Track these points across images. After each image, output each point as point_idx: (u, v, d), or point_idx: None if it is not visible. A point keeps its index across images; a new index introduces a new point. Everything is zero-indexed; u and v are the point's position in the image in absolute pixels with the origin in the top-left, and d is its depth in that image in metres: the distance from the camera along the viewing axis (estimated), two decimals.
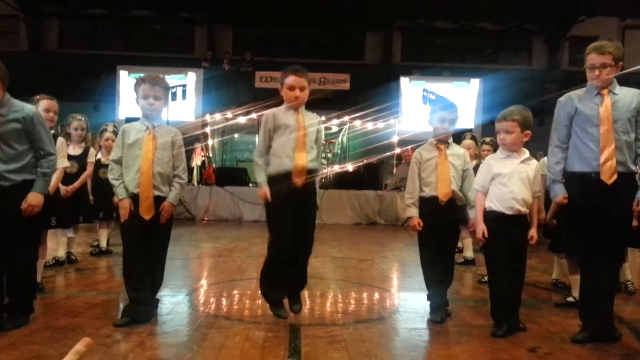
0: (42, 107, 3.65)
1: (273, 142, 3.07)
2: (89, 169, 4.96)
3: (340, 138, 13.01)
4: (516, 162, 2.99)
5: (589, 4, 13.89)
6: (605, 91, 2.85)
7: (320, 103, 12.32)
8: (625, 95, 2.85)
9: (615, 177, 2.78)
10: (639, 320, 3.33)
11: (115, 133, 5.46)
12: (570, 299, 3.63)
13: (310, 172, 3.06)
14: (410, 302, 3.80)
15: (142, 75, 3.18)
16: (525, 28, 15.84)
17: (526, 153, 3.04)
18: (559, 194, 2.93)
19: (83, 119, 4.83)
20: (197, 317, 3.25)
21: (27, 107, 2.95)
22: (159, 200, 3.08)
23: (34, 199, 2.89)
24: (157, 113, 3.15)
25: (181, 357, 2.51)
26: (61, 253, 4.85)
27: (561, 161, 2.94)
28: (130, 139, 3.09)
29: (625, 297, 3.94)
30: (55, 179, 3.63)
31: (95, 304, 3.46)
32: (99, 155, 5.46)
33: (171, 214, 3.15)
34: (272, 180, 3.02)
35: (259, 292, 3.23)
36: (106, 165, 5.11)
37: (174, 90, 11.32)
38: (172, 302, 3.59)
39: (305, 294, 3.82)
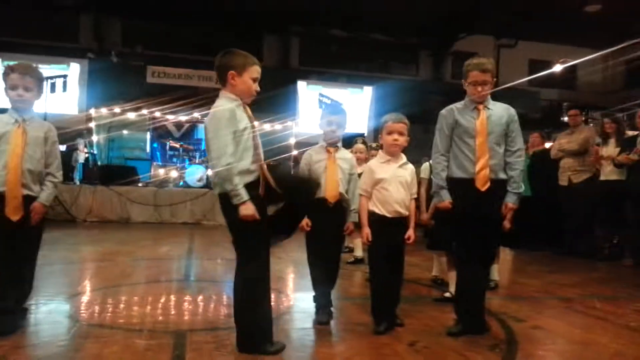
0: None
1: None
2: None
3: None
4: (395, 167, 3.15)
5: (468, 22, 15.06)
6: (481, 106, 3.11)
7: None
8: (498, 109, 3.13)
9: (488, 184, 3.04)
10: (504, 312, 3.65)
11: None
12: (447, 294, 3.90)
13: None
14: (301, 302, 3.84)
15: (13, 63, 2.91)
16: (412, 41, 16.82)
17: (404, 158, 3.20)
18: (445, 199, 3.12)
19: None
20: (72, 327, 3.01)
21: None
22: (28, 200, 2.83)
23: None
24: (27, 105, 2.90)
25: None
26: None
27: (445, 168, 3.15)
28: None
29: (494, 292, 4.31)
30: None
31: None
32: None
33: (42, 215, 2.89)
34: None
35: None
36: None
37: (53, 81, 10.43)
38: (43, 310, 3.29)
39: (191, 298, 3.71)
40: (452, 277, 3.83)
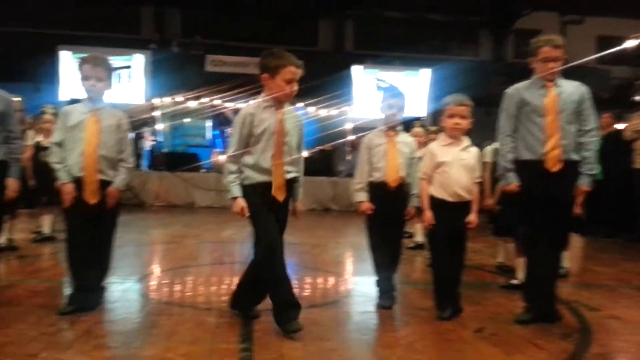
0: None
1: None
2: (27, 152, 4.72)
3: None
4: (457, 150, 3.07)
5: None
6: (550, 83, 2.96)
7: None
8: (568, 87, 2.98)
9: (559, 165, 2.90)
10: (577, 300, 3.52)
11: (54, 115, 5.19)
12: (514, 281, 3.79)
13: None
14: (362, 287, 3.85)
15: (85, 55, 3.06)
16: (471, 20, 16.23)
17: (467, 141, 3.12)
18: (512, 182, 3.01)
19: (18, 99, 4.57)
20: (146, 305, 3.18)
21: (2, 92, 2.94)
22: (104, 184, 2.98)
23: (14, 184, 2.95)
24: (100, 95, 3.04)
25: (129, 345, 2.44)
26: (1, 239, 4.61)
27: (512, 150, 3.03)
28: (71, 121, 2.96)
29: (564, 280, 4.15)
30: None
31: (39, 292, 3.31)
32: (38, 138, 5.20)
33: (117, 199, 3.04)
34: None
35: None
36: (46, 148, 4.90)
37: (118, 72, 10.88)
38: (120, 289, 3.49)
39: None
40: (519, 264, 3.72)
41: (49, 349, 2.32)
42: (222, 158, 11.21)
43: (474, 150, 3.14)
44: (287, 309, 2.65)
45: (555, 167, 2.90)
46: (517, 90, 3.06)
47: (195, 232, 6.63)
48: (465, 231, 3.08)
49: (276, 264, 2.71)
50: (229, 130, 12.13)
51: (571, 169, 2.94)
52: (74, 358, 2.25)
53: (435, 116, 11.49)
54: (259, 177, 2.72)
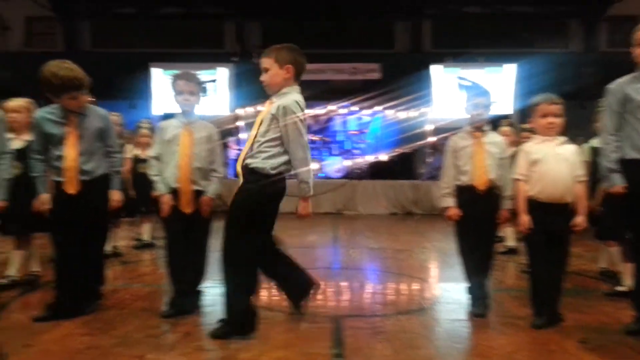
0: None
1: None
2: (126, 165, 5.07)
3: (372, 128, 12.93)
4: (553, 147, 2.91)
5: None
6: None
7: (351, 93, 12.26)
8: None
9: None
10: None
11: (150, 129, 5.55)
12: (621, 288, 3.50)
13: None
14: (451, 293, 3.74)
15: (177, 72, 3.24)
16: (559, 10, 15.30)
17: (563, 138, 2.94)
18: (617, 183, 2.81)
19: (117, 115, 4.93)
20: None
21: (102, 109, 3.18)
22: (198, 194, 3.13)
23: (118, 195, 3.16)
24: (192, 108, 3.20)
25: (226, 347, 2.54)
26: (107, 247, 4.98)
27: (616, 150, 2.82)
28: (167, 135, 3.15)
29: None
30: None
31: (141, 296, 3.55)
32: (136, 151, 5.57)
33: (211, 207, 3.19)
34: None
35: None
36: (144, 161, 5.24)
37: (205, 85, 11.44)
38: (214, 293, 3.63)
39: (344, 285, 3.82)
40: (626, 270, 3.43)
41: (154, 351, 2.48)
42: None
43: (573, 146, 2.96)
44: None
45: None
46: (620, 85, 2.84)
47: (280, 237, 6.77)
48: (568, 234, 2.90)
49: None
50: (308, 136, 12.35)
51: None
52: (177, 359, 2.38)
53: (523, 114, 10.98)
54: None
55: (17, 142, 3.59)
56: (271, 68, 2.72)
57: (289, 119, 2.65)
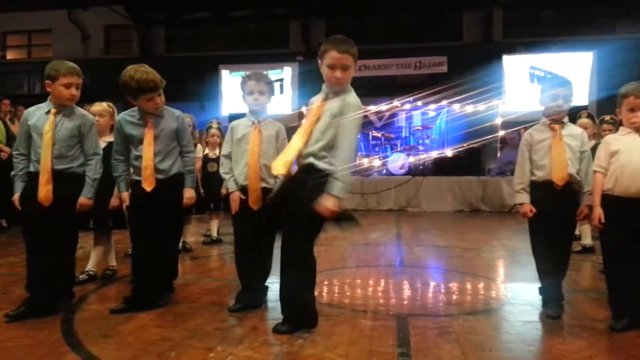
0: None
1: None
2: (197, 164, 5.24)
3: (438, 123, 12.64)
4: (638, 139, 2.70)
5: None
6: None
7: (417, 87, 12.04)
8: None
9: None
10: None
11: (219, 129, 5.73)
12: None
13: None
14: (523, 293, 3.59)
15: (245, 73, 3.33)
16: None
17: None
18: None
19: (190, 116, 5.13)
20: None
21: (177, 110, 3.32)
22: (266, 191, 3.17)
23: (190, 193, 3.28)
24: (262, 108, 3.27)
25: (292, 343, 2.58)
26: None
27: None
28: (238, 134, 3.24)
29: None
30: None
31: (211, 290, 3.67)
32: (206, 151, 5.77)
33: None
34: None
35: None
36: (213, 160, 5.42)
37: (274, 84, 11.66)
38: (278, 288, 3.70)
39: (409, 283, 3.76)
40: None
41: (222, 344, 2.56)
42: (366, 161, 11.38)
43: None
44: None
45: None
46: None
47: (343, 234, 6.78)
48: None
49: None
50: (371, 132, 12.27)
51: None
52: (245, 352, 2.45)
53: (602, 106, 10.32)
54: None
55: (100, 144, 3.83)
56: (351, 66, 2.64)
57: (349, 117, 2.61)
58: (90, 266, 3.93)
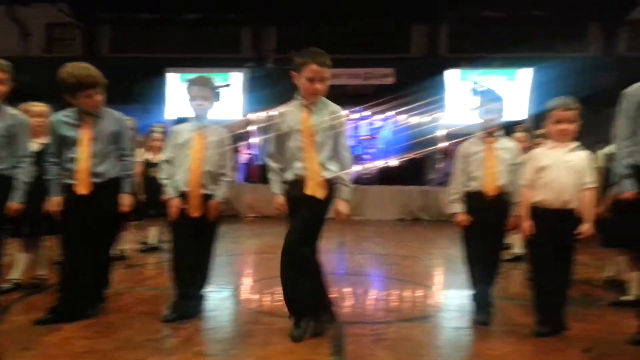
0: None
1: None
2: (137, 168, 5.11)
3: (384, 133, 12.89)
4: (562, 152, 2.88)
5: None
6: None
7: (364, 98, 12.24)
8: None
9: None
10: None
11: (162, 133, 5.61)
12: (627, 297, 3.44)
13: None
14: (455, 300, 3.70)
15: (192, 76, 3.29)
16: (579, 14, 15.12)
17: (574, 143, 2.91)
18: (629, 189, 2.76)
19: (130, 119, 4.97)
20: (241, 314, 3.30)
21: (117, 112, 3.23)
22: (206, 198, 3.15)
23: (127, 199, 3.16)
24: (205, 113, 3.24)
25: (227, 353, 2.55)
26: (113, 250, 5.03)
27: (630, 155, 2.78)
28: (180, 139, 3.19)
29: None
30: None
31: (144, 300, 3.57)
32: (148, 155, 5.62)
33: (219, 211, 3.20)
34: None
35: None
36: (155, 165, 5.28)
37: (219, 90, 11.52)
38: (217, 298, 3.66)
39: (348, 291, 3.81)
40: (633, 279, 3.37)
41: (154, 355, 2.49)
42: None
43: (583, 153, 2.92)
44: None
45: None
46: (636, 90, 2.80)
47: None
48: (573, 242, 2.86)
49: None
50: None
51: None
52: None
53: (539, 119, 10.84)
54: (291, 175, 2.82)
55: (33, 145, 3.66)
56: (329, 77, 2.81)
57: (341, 124, 2.84)
58: (16, 274, 3.73)
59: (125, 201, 3.16)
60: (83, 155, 3.00)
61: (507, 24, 15.64)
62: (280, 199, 2.83)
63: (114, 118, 3.16)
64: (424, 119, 12.28)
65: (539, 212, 2.87)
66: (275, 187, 2.87)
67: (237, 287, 4.17)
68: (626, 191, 2.77)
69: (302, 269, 2.79)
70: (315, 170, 2.74)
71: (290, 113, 2.86)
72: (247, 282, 4.40)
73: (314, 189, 2.73)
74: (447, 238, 7.34)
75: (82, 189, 2.99)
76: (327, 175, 2.77)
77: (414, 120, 12.13)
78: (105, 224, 3.11)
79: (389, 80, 13.29)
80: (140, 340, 2.70)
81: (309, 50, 2.82)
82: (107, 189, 3.08)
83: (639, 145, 2.76)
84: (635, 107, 2.77)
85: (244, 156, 11.99)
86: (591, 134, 4.46)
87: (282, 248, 2.75)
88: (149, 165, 5.51)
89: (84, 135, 3.02)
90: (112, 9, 15.57)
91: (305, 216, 2.76)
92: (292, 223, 2.80)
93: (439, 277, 4.86)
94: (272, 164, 2.91)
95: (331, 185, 2.78)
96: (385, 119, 12.59)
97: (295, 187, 2.78)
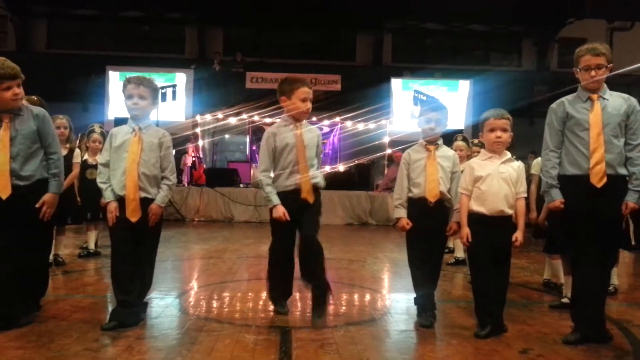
0: None
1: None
2: (75, 170, 4.89)
3: (331, 138, 13.01)
4: (497, 163, 3.01)
5: (576, 6, 14.01)
6: (595, 96, 2.88)
7: (312, 103, 12.31)
8: (615, 100, 2.89)
9: (605, 180, 2.79)
10: (628, 320, 3.34)
11: (102, 134, 5.39)
12: (564, 299, 3.63)
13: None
14: (401, 304, 3.78)
15: (130, 75, 3.17)
16: (514, 30, 15.95)
17: (507, 154, 3.05)
18: (556, 198, 2.92)
19: (65, 118, 4.75)
20: (186, 320, 3.21)
21: (37, 107, 3.07)
22: (146, 202, 3.04)
23: (50, 198, 3.01)
24: (143, 113, 3.12)
25: None
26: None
27: (556, 166, 2.95)
28: (117, 141, 3.07)
29: (614, 297, 3.95)
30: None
31: (83, 307, 3.40)
32: (86, 156, 5.39)
33: (159, 216, 3.10)
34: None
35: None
36: (93, 166, 5.07)
37: (163, 91, 11.22)
38: (160, 305, 3.54)
39: (296, 296, 3.80)
40: (568, 282, 3.56)
41: None
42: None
43: (517, 163, 3.07)
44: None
45: (600, 182, 2.80)
46: (561, 104, 2.98)
47: (234, 247, 6.70)
48: (509, 247, 2.99)
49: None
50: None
51: (618, 183, 2.83)
52: None
53: (476, 129, 11.28)
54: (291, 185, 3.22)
55: None
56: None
57: (320, 139, 3.49)
58: None
59: (47, 199, 2.98)
60: (1, 157, 2.83)
61: (447, 36, 16.26)
62: (282, 208, 3.15)
63: (34, 115, 2.98)
64: (371, 125, 12.50)
65: (477, 219, 2.99)
66: (274, 198, 3.18)
67: (182, 293, 4.05)
68: (554, 200, 2.92)
69: (317, 253, 3.24)
70: (308, 179, 3.21)
71: (284, 131, 3.24)
72: (192, 288, 4.29)
73: (309, 195, 3.21)
74: (393, 242, 7.51)
75: (2, 192, 2.82)
76: (314, 181, 3.24)
77: (361, 126, 12.32)
78: (34, 228, 2.93)
79: (336, 87, 13.47)
80: (78, 349, 2.57)
81: (294, 78, 3.32)
82: (33, 191, 2.93)
83: (564, 156, 2.93)
84: (560, 120, 2.95)
85: (189, 159, 11.73)
86: (526, 143, 4.70)
87: (300, 240, 3.24)
88: (87, 166, 5.29)
89: (2, 135, 2.85)
90: (49, 2, 14.85)
91: (314, 215, 3.25)
92: (305, 221, 3.20)
93: (384, 280, 4.94)
94: (268, 179, 3.23)
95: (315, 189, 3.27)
96: (332, 125, 12.71)
97: (294, 195, 3.18)
